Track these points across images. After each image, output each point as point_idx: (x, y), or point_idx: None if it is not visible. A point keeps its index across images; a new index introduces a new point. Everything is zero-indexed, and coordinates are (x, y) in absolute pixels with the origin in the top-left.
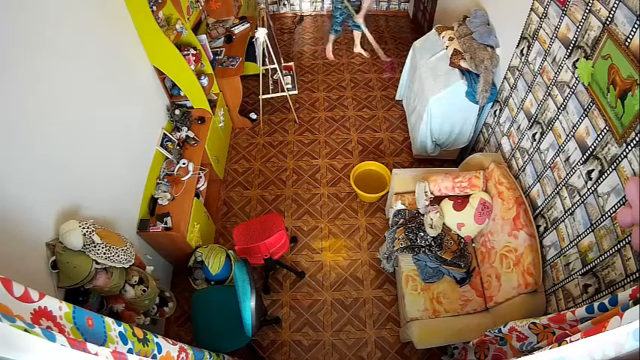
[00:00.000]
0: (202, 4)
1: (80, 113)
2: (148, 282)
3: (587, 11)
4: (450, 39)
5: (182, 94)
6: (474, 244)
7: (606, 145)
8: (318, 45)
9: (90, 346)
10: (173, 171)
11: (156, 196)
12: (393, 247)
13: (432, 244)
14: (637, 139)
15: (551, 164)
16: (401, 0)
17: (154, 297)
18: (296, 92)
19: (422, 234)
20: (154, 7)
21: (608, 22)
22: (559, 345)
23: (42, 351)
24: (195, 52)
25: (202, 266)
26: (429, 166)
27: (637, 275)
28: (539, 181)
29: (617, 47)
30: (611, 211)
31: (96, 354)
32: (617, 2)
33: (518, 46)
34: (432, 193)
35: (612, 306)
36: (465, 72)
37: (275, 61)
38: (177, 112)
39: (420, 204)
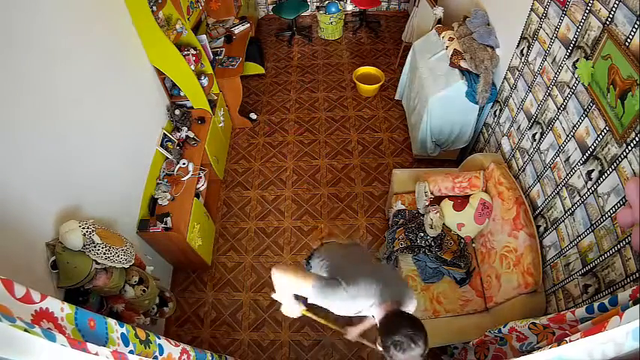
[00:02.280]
0: (202, 4)
1: (80, 113)
2: (148, 282)
3: (587, 11)
4: (450, 39)
5: (182, 94)
6: (473, 245)
7: (606, 145)
8: (317, 45)
9: (90, 346)
10: (173, 171)
11: (156, 197)
12: (393, 247)
13: (432, 244)
14: (637, 139)
15: (551, 164)
16: (401, 0)
17: (153, 297)
18: None
19: (422, 234)
20: (154, 7)
21: (608, 23)
22: (559, 345)
23: (42, 351)
24: (195, 52)
25: None
26: (429, 166)
27: (637, 275)
28: (539, 181)
29: (617, 47)
30: (611, 211)
31: (96, 354)
32: (617, 2)
33: (518, 46)
34: (432, 194)
35: (612, 306)
36: (464, 72)
37: None
38: (177, 112)
39: (420, 204)
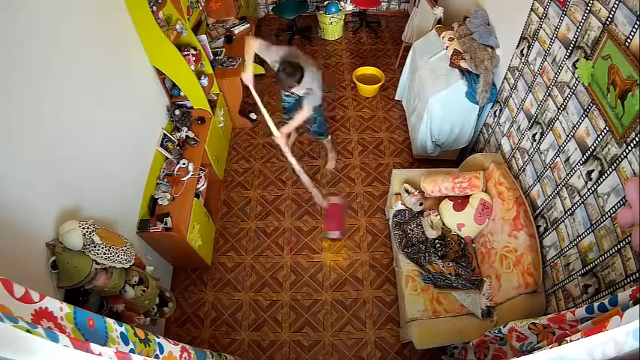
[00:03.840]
0: (202, 4)
1: (80, 113)
2: (148, 282)
3: (587, 11)
4: (450, 39)
5: (182, 94)
6: (474, 245)
7: (606, 145)
8: (317, 46)
9: (93, 346)
10: (173, 171)
11: (156, 197)
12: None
13: (435, 244)
14: (637, 139)
15: (551, 164)
16: (401, 0)
17: (154, 297)
18: None
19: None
20: (154, 7)
21: (608, 23)
22: (559, 345)
23: (45, 352)
24: (195, 52)
25: None
26: (429, 166)
27: (637, 275)
28: (539, 181)
29: (617, 47)
30: (611, 211)
31: (99, 354)
32: (617, 2)
33: (518, 46)
34: (418, 190)
35: (612, 306)
36: (465, 72)
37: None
38: (177, 112)
39: (409, 203)
